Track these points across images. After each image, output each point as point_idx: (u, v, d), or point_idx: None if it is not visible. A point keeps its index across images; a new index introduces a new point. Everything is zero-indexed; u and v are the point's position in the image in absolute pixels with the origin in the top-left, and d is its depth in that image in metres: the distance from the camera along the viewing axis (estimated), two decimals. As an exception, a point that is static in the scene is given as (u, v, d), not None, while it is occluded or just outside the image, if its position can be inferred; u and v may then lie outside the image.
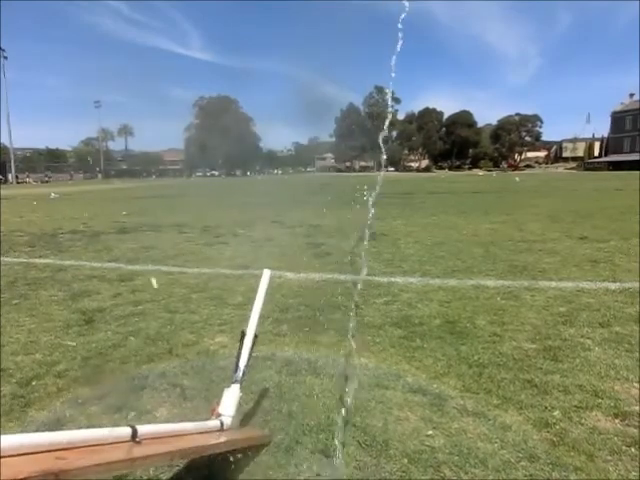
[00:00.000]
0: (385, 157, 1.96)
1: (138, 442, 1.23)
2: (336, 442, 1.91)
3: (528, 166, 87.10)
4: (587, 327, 3.35)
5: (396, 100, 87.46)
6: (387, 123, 1.92)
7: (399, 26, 1.71)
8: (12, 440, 0.95)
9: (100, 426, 1.23)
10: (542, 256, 5.88)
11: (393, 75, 1.80)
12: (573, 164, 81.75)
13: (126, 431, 1.23)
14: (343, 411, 1.96)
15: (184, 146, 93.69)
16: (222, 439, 1.68)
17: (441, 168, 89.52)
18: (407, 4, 1.67)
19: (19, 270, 5.72)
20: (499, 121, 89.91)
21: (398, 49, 1.72)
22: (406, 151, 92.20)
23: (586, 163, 75.79)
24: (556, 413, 2.22)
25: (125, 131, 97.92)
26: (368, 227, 2.08)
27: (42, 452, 0.98)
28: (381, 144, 1.91)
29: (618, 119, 75.92)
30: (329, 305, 4.00)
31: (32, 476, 0.87)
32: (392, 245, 6.99)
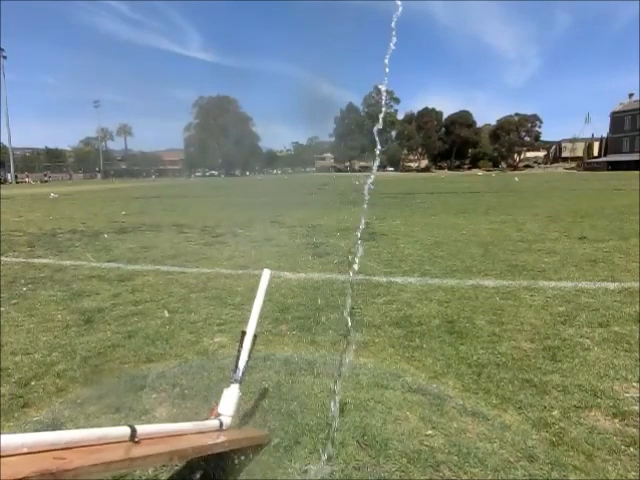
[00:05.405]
0: (384, 157, 1.96)
1: (137, 442, 1.23)
2: (333, 441, 1.91)
3: (527, 166, 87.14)
4: (586, 327, 3.35)
5: (395, 100, 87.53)
6: (380, 120, 1.90)
7: (392, 25, 1.70)
8: (11, 440, 0.95)
9: (99, 426, 1.23)
10: (541, 256, 5.88)
11: (387, 71, 1.80)
12: (572, 164, 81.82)
13: (125, 431, 1.22)
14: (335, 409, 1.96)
15: (184, 146, 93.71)
16: (221, 439, 1.68)
17: (441, 168, 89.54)
18: (399, 4, 1.66)
19: (18, 270, 5.72)
20: (498, 121, 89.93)
21: (392, 47, 1.72)
22: (405, 151, 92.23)
23: (585, 163, 75.86)
24: (555, 413, 2.22)
25: (124, 131, 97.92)
26: (367, 227, 2.08)
27: (41, 452, 0.98)
28: (378, 145, 1.90)
29: (617, 119, 75.96)
30: (328, 305, 4.00)
31: (31, 476, 0.87)
32: (391, 245, 6.99)
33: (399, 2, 1.64)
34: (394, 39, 1.69)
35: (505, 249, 6.40)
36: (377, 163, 1.89)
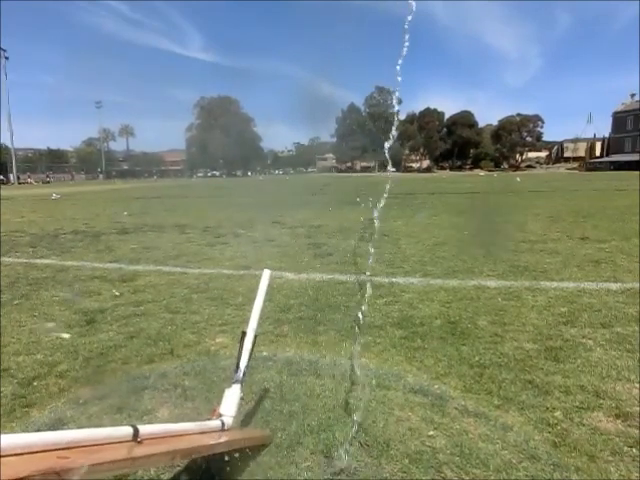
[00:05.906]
0: (386, 158, 1.96)
1: (139, 442, 1.23)
2: (338, 443, 1.91)
3: (529, 166, 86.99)
4: (588, 328, 3.34)
5: (397, 100, 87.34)
6: (395, 127, 1.90)
7: (405, 27, 1.70)
8: (13, 439, 0.95)
9: (101, 426, 1.23)
10: (543, 256, 5.87)
11: (399, 79, 1.80)
12: (574, 164, 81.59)
13: (127, 431, 1.23)
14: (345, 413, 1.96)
15: (185, 146, 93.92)
16: (223, 439, 1.68)
17: (442, 168, 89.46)
18: (414, 4, 1.66)
19: (20, 270, 5.73)
20: (500, 121, 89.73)
21: (404, 52, 1.72)
22: (407, 151, 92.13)
23: (587, 163, 75.72)
24: (557, 414, 2.21)
25: (126, 131, 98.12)
26: (369, 227, 2.09)
27: (43, 451, 0.98)
28: (386, 149, 1.90)
29: (619, 119, 75.85)
30: (330, 305, 4.00)
31: (33, 475, 0.87)
32: (393, 245, 6.98)
33: (413, 2, 1.63)
34: (406, 44, 1.68)
35: (507, 250, 6.39)
36: (389, 170, 1.89)
